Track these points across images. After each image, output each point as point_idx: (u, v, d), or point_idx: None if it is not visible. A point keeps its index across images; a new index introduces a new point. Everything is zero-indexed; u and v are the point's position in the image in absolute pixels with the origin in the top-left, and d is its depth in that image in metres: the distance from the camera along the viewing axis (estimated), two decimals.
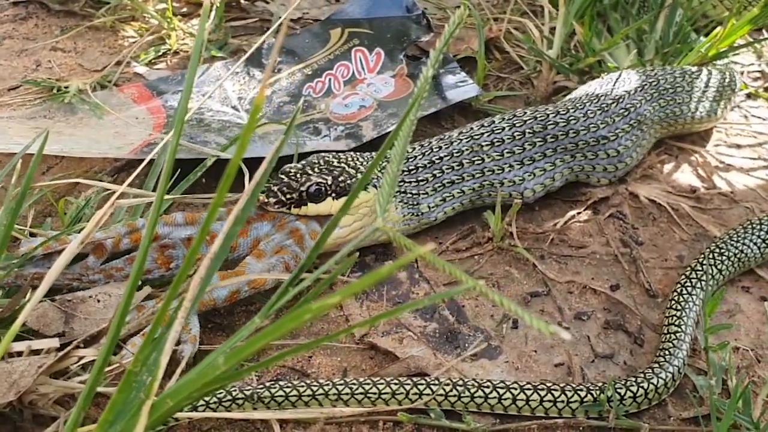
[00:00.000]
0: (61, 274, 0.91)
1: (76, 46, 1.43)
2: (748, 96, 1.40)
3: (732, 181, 1.21)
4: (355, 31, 1.36)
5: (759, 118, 1.36)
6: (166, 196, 1.01)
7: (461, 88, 1.28)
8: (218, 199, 0.58)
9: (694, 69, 1.23)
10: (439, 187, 1.07)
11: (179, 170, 1.05)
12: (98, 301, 0.89)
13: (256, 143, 1.13)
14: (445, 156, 1.07)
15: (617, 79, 1.19)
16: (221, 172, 1.06)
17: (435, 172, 1.07)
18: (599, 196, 1.14)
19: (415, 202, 1.05)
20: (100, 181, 1.09)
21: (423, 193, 1.06)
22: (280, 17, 1.47)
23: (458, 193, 1.08)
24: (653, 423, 0.86)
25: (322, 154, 1.02)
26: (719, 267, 1.01)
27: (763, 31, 1.52)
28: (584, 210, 1.13)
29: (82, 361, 0.81)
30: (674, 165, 1.23)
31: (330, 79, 1.31)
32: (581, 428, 0.85)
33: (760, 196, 1.19)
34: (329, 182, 0.97)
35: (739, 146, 1.29)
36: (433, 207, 1.06)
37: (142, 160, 0.92)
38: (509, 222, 1.06)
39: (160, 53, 1.41)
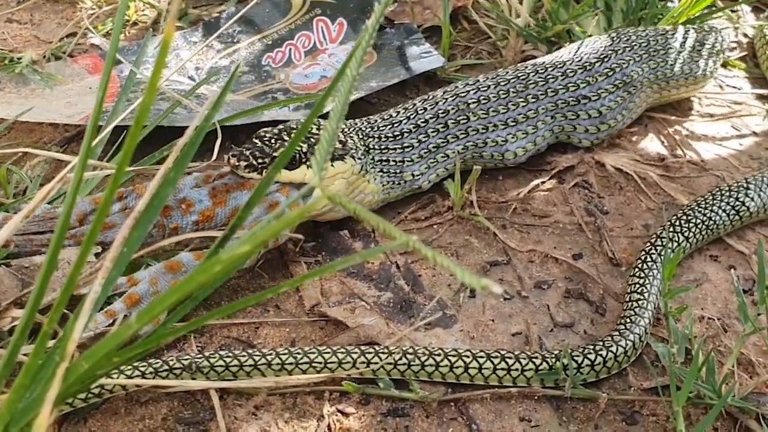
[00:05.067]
0: (29, 241, 0.87)
1: (32, 18, 1.39)
2: (724, 65, 1.37)
3: (702, 150, 1.18)
4: (317, 1, 1.32)
5: (734, 87, 1.32)
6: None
7: (426, 59, 1.24)
8: (121, 166, 0.54)
9: (682, 29, 1.19)
10: (425, 153, 1.03)
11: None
12: (57, 269, 0.86)
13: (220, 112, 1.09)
14: (431, 118, 1.04)
15: (603, 39, 1.16)
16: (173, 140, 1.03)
17: (420, 136, 1.03)
18: (564, 165, 1.11)
19: (398, 170, 1.01)
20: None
21: (408, 161, 1.02)
22: None
23: (442, 157, 1.05)
24: (612, 393, 0.83)
25: (301, 119, 0.99)
26: (686, 234, 0.98)
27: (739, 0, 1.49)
28: (549, 179, 1.10)
29: (15, 323, 0.78)
30: (643, 134, 1.19)
31: (290, 49, 1.28)
32: (536, 397, 0.82)
33: (732, 165, 1.15)
34: (304, 149, 0.93)
35: (712, 116, 1.26)
36: (418, 175, 1.03)
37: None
38: (469, 190, 1.03)
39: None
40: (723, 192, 1.02)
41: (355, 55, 0.67)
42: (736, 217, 1.01)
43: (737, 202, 1.01)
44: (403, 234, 0.52)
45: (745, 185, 1.03)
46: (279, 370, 0.80)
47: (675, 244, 0.96)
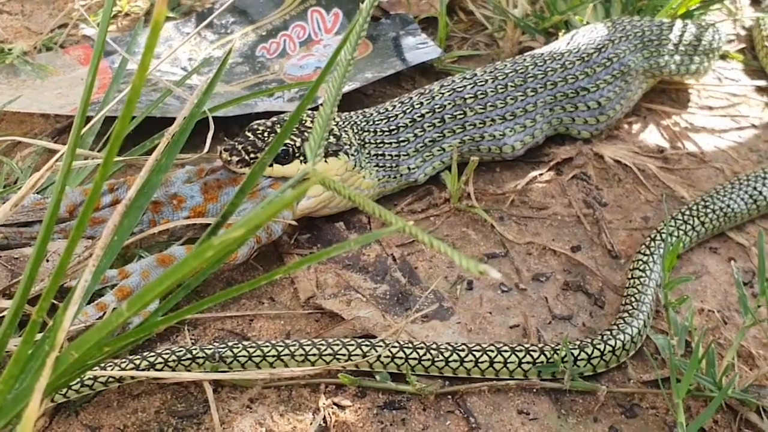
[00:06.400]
0: (18, 233, 0.86)
1: (23, 9, 1.38)
2: (722, 58, 1.36)
3: (701, 142, 1.17)
4: None
5: (732, 79, 1.32)
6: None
7: (422, 50, 1.23)
8: (111, 150, 0.52)
9: (680, 22, 1.18)
10: (421, 147, 1.02)
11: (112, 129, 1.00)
12: (47, 261, 0.85)
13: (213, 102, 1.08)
14: (428, 112, 1.02)
15: (599, 28, 1.14)
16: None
17: (417, 131, 1.02)
18: (562, 156, 1.09)
19: (394, 164, 1.00)
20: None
21: (404, 155, 1.01)
22: None
23: (438, 151, 1.03)
24: (612, 386, 0.82)
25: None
26: (702, 220, 0.97)
27: None
28: (547, 171, 1.08)
29: (3, 314, 0.76)
30: (642, 126, 1.18)
31: (285, 40, 1.26)
32: (534, 390, 0.81)
33: (731, 158, 1.14)
34: (298, 144, 0.91)
35: (710, 108, 1.25)
36: (414, 168, 1.02)
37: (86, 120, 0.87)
38: (466, 182, 1.02)
39: (111, 15, 1.35)
40: (741, 181, 1.02)
41: (349, 39, 0.66)
42: (754, 206, 1.00)
43: (755, 191, 1.00)
44: (399, 219, 0.50)
45: (762, 175, 1.02)
46: (302, 361, 0.79)
47: (690, 228, 0.96)
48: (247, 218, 0.46)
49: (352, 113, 1.01)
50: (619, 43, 1.12)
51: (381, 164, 0.99)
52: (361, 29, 0.67)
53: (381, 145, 0.99)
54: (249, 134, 0.92)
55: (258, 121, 0.94)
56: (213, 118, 0.96)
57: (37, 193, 0.92)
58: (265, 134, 0.91)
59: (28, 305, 0.73)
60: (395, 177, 1.01)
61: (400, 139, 1.01)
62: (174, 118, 1.02)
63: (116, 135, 0.52)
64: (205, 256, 0.48)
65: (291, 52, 1.25)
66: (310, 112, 0.98)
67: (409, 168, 1.01)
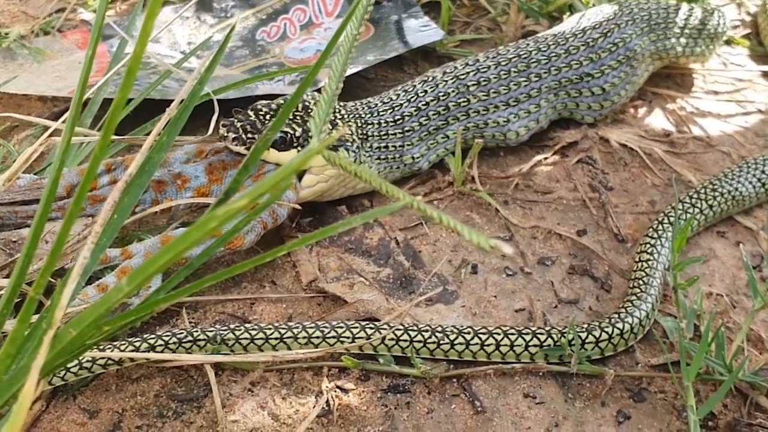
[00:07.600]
0: (13, 213, 0.84)
1: None
2: (727, 43, 1.34)
3: (708, 126, 1.15)
4: None
5: (737, 65, 1.30)
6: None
7: (424, 32, 1.21)
8: (110, 124, 0.51)
9: (685, 6, 1.17)
10: (425, 135, 1.01)
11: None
12: (46, 242, 0.83)
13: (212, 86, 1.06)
14: (432, 100, 1.01)
15: (605, 11, 1.13)
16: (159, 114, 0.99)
17: (422, 119, 1.00)
18: (567, 140, 1.08)
19: (398, 155, 0.99)
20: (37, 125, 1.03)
21: (408, 144, 0.99)
22: None
23: (443, 138, 1.02)
24: (619, 369, 0.80)
25: (310, 95, 0.94)
26: (704, 206, 0.96)
27: None
28: (552, 155, 1.07)
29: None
30: (648, 110, 1.17)
31: (285, 24, 1.25)
32: (541, 374, 0.79)
33: (737, 142, 1.13)
34: (298, 133, 0.89)
35: (716, 93, 1.23)
36: (418, 157, 1.00)
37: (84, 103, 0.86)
38: (470, 165, 1.00)
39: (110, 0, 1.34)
40: (749, 163, 1.01)
41: (354, 14, 0.64)
42: (761, 190, 0.99)
43: (763, 175, 0.99)
44: (407, 195, 0.49)
45: None
46: (305, 344, 0.77)
47: (698, 212, 0.95)
48: (252, 188, 0.44)
49: (357, 104, 0.99)
50: (625, 27, 1.10)
51: (383, 156, 0.98)
52: (368, 4, 0.65)
53: (385, 136, 0.98)
54: (251, 113, 0.90)
55: (262, 102, 0.92)
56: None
57: (35, 173, 0.90)
58: (267, 117, 0.89)
59: (25, 286, 0.72)
60: (399, 167, 0.99)
61: (405, 128, 0.99)
62: (173, 100, 1.01)
63: (116, 104, 0.50)
64: (208, 227, 0.46)
65: (291, 36, 1.23)
66: (314, 96, 0.96)
67: (413, 157, 1.00)
